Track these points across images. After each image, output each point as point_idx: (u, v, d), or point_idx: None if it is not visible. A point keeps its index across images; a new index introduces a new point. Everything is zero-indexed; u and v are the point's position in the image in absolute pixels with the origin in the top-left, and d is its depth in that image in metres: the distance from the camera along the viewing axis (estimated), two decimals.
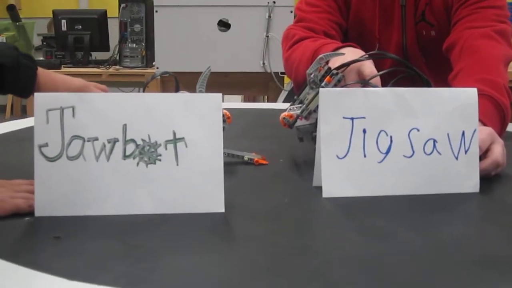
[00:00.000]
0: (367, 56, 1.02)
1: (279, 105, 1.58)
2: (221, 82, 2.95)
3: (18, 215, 0.70)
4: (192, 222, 0.70)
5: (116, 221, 0.70)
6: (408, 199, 0.80)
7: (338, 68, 0.94)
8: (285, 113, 0.97)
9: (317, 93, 0.92)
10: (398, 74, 1.01)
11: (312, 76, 0.94)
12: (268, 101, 2.91)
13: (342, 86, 0.93)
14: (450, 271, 0.57)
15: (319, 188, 0.81)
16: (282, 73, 2.66)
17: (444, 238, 0.67)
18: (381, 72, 1.02)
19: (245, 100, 3.82)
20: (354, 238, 0.66)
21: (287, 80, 2.75)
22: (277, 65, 2.63)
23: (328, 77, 0.92)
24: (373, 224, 0.70)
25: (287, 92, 2.75)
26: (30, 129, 1.23)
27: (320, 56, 0.94)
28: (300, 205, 0.79)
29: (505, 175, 0.92)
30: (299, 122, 0.97)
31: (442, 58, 1.39)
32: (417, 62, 1.45)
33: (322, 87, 0.92)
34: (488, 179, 0.89)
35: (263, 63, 2.65)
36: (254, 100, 3.76)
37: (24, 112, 5.73)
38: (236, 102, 3.27)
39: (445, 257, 0.60)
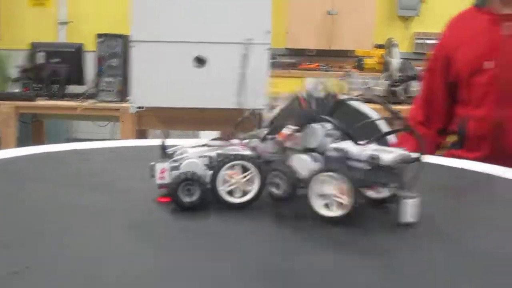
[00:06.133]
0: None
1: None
2: (197, 119, 2.96)
3: None
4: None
5: (81, 255, 0.69)
6: None
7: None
8: None
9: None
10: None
11: None
12: None
13: None
14: None
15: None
16: (257, 109, 2.67)
17: None
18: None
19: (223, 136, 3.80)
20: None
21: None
22: (252, 102, 2.65)
23: None
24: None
25: None
26: None
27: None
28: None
29: None
30: None
31: None
32: None
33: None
34: None
35: (239, 100, 2.67)
36: (232, 136, 3.76)
37: None
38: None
39: None
